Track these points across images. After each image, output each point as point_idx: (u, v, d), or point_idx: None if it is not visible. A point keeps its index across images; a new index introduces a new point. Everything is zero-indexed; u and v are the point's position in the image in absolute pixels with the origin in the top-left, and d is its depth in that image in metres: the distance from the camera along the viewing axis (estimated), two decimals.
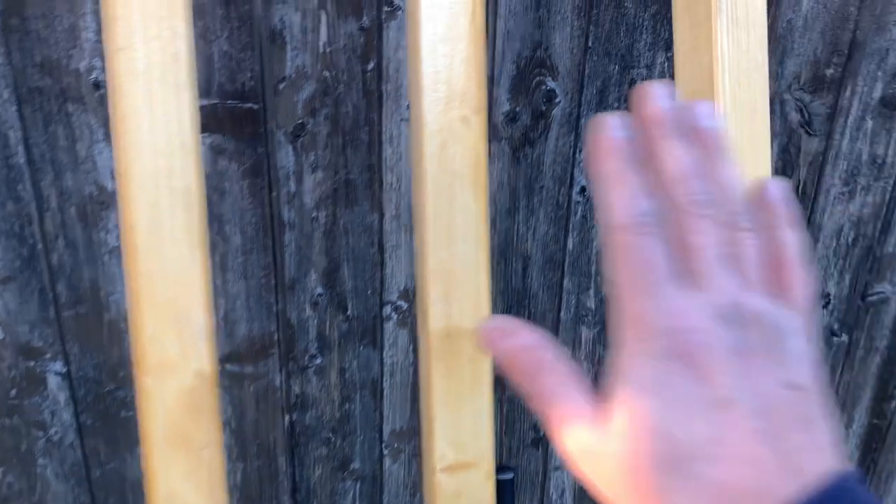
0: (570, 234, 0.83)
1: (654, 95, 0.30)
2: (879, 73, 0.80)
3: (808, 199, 0.86)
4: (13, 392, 0.75)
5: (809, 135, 0.83)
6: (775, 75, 0.80)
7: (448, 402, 0.46)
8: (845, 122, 0.83)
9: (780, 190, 0.31)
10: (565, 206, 0.82)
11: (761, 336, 0.28)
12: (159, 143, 0.39)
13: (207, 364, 0.43)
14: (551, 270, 0.85)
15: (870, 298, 0.93)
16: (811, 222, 0.88)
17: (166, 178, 0.40)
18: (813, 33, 0.78)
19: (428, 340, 0.46)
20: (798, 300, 0.30)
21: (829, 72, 0.79)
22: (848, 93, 0.81)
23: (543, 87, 0.75)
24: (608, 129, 0.30)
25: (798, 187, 0.87)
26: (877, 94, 0.81)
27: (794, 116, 0.83)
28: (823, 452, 0.27)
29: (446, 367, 0.46)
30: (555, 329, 0.88)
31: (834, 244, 0.89)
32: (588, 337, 0.89)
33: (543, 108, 0.76)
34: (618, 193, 0.29)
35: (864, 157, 0.85)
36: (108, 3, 0.39)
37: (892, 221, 0.89)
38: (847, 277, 0.91)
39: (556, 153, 0.79)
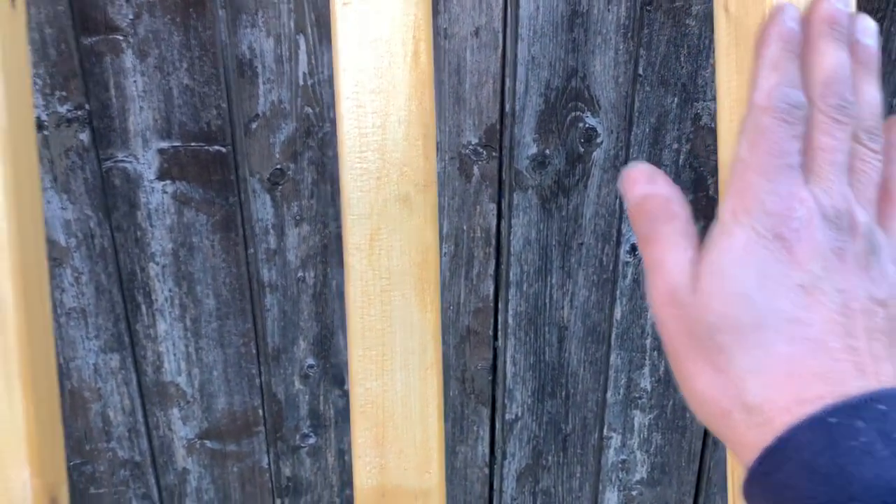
0: (619, 302, 0.68)
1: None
2: None
3: None
4: None
5: None
6: (889, 108, 0.62)
7: None
8: None
9: None
10: (611, 267, 0.66)
11: (861, 247, 0.29)
12: None
13: None
14: (594, 344, 0.69)
15: None
16: None
17: None
18: None
19: (358, 497, 0.34)
20: (893, 228, 0.30)
21: None
22: None
23: (581, 124, 0.61)
24: (783, 17, 0.30)
25: None
26: None
27: None
28: (893, 369, 0.27)
29: None
30: (601, 412, 0.73)
31: None
32: (642, 423, 0.74)
33: (581, 149, 0.61)
34: (773, 77, 0.30)
35: None
36: None
37: None
38: None
39: (598, 204, 0.64)
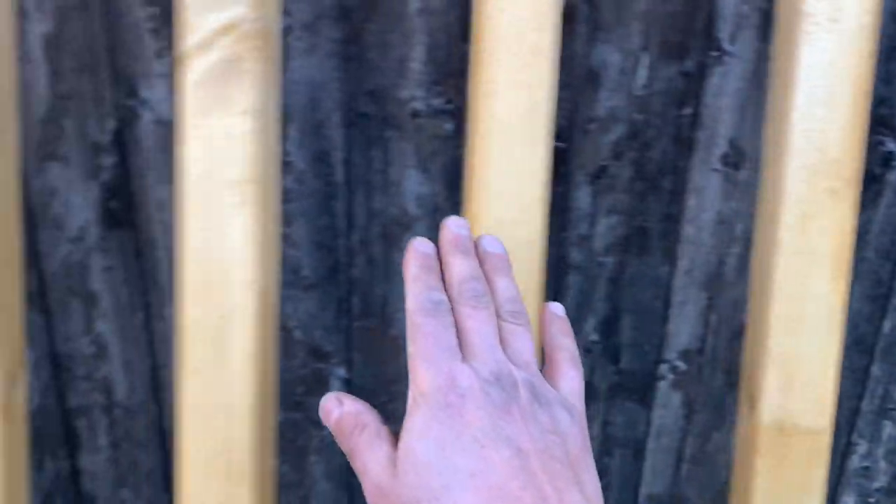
0: (888, 316, 0.73)
1: (449, 226, 0.39)
2: None
3: None
4: (300, 389, 0.80)
5: None
6: None
7: None
8: None
9: (559, 308, 0.42)
10: (887, 283, 0.71)
11: (524, 398, 0.33)
12: (509, 192, 0.39)
13: None
14: (858, 353, 0.74)
15: None
16: None
17: (511, 228, 0.39)
18: None
19: (753, 433, 0.41)
20: (560, 386, 0.36)
21: None
22: None
23: (881, 147, 0.66)
24: (416, 245, 0.39)
25: None
26: None
27: None
28: (580, 494, 0.30)
29: (773, 466, 0.41)
30: (852, 419, 0.77)
31: None
32: (893, 434, 0.78)
33: (878, 171, 0.67)
34: (416, 288, 0.36)
35: None
36: (479, 43, 0.39)
37: None
38: None
39: (884, 223, 0.69)
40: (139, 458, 0.86)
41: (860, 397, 0.77)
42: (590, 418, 0.80)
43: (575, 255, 0.73)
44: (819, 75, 0.39)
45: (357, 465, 0.34)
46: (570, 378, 0.37)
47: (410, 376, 0.34)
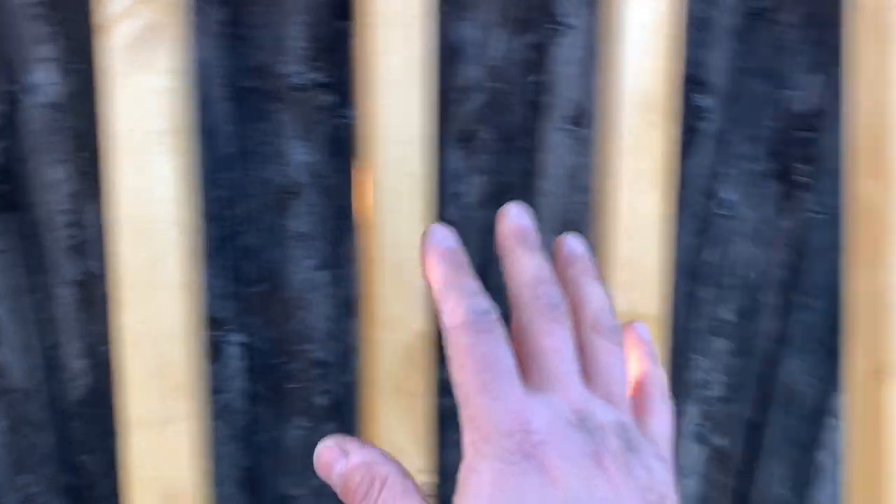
0: (707, 246, 0.87)
1: (509, 215, 0.32)
2: None
3: None
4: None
5: None
6: None
7: None
8: None
9: (646, 329, 0.33)
10: (704, 217, 0.85)
11: (616, 446, 0.26)
12: (397, 136, 0.46)
13: (424, 323, 0.49)
14: (686, 280, 0.88)
15: None
16: None
17: (401, 163, 0.47)
18: None
19: None
20: (650, 428, 0.29)
21: None
22: None
23: (695, 103, 0.80)
24: (435, 239, 0.30)
25: None
26: None
27: None
28: None
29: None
30: (688, 337, 0.91)
31: None
32: (723, 348, 0.92)
33: (693, 123, 0.81)
34: (452, 296, 0.28)
35: None
36: (362, 19, 0.46)
37: None
38: None
39: (701, 166, 0.83)
40: (37, 441, 0.86)
41: (691, 317, 0.91)
42: None
43: (452, 212, 0.81)
44: (641, 32, 0.50)
45: None
46: (662, 417, 0.30)
47: (463, 413, 0.26)
